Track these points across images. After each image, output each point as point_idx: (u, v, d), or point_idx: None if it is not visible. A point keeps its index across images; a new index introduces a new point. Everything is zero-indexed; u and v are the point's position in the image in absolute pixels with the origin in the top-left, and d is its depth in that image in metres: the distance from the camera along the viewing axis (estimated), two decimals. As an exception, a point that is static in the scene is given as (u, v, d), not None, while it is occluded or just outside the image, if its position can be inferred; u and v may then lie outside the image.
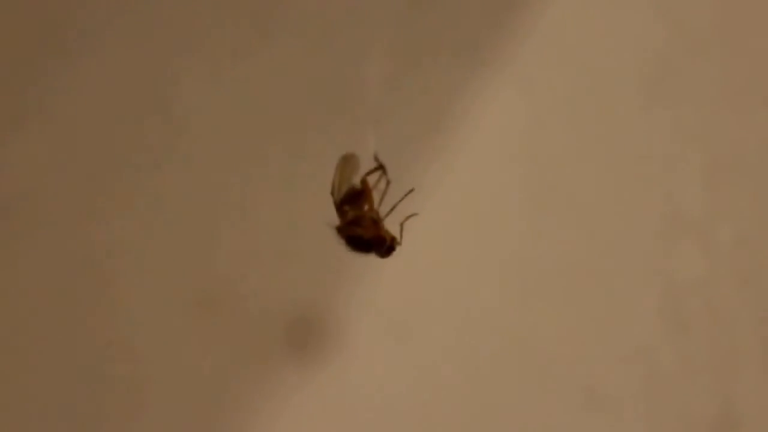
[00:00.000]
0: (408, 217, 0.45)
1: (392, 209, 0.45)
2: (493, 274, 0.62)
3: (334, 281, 0.60)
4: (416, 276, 0.60)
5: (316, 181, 0.46)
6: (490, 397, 0.61)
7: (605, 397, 0.61)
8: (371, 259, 0.45)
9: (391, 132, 0.58)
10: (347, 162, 0.45)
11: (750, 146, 0.62)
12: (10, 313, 0.57)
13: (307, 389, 0.59)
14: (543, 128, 0.62)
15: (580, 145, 0.63)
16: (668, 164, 0.63)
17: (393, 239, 0.44)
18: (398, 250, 0.45)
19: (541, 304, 0.62)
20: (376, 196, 0.46)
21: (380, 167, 0.46)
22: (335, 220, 0.45)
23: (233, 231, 0.60)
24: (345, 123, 0.57)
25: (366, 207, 0.45)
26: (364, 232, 0.44)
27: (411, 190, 0.45)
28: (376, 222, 0.45)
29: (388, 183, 0.46)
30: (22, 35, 0.58)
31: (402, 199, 0.45)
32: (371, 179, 0.46)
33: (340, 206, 0.45)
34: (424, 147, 0.61)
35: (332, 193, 0.45)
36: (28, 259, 0.58)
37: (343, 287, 0.60)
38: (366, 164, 0.46)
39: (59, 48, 0.58)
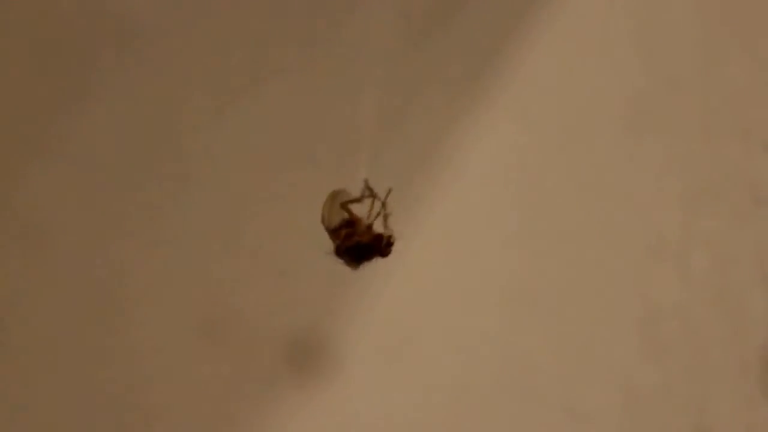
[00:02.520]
0: (387, 193, 0.46)
1: (378, 215, 0.46)
2: (484, 300, 0.62)
3: (332, 304, 0.60)
4: (412, 300, 0.61)
5: (313, 209, 0.47)
6: (480, 415, 0.62)
7: (586, 415, 0.62)
8: (369, 283, 0.46)
9: (386, 161, 0.58)
10: (335, 197, 0.47)
11: (725, 176, 0.63)
12: (24, 335, 0.57)
13: (308, 410, 0.59)
14: (531, 161, 0.63)
15: (567, 176, 0.63)
16: (648, 194, 0.63)
17: (389, 236, 0.46)
18: (393, 274, 0.46)
19: (527, 327, 0.62)
20: (370, 215, 0.47)
21: (367, 195, 0.46)
22: (330, 246, 0.46)
23: (235, 258, 0.60)
24: (340, 153, 0.57)
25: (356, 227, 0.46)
26: (361, 237, 0.46)
27: (390, 190, 0.46)
28: (369, 227, 0.46)
29: (384, 203, 0.46)
30: (45, 80, 0.57)
31: (385, 198, 0.46)
32: (362, 208, 0.47)
33: (334, 232, 0.46)
34: (419, 175, 0.61)
35: (323, 222, 0.46)
36: (42, 284, 0.58)
37: (341, 310, 0.60)
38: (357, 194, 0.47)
39: (76, 90, 0.58)
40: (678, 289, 0.63)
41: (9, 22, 0.57)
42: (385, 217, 0.46)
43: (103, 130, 0.59)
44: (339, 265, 0.46)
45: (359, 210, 0.47)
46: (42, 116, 0.58)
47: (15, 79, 0.58)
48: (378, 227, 0.46)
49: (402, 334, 0.61)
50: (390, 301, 0.60)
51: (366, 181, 0.47)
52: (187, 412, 0.59)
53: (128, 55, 0.58)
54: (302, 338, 0.60)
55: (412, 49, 0.61)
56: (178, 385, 0.59)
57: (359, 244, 0.45)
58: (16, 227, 0.58)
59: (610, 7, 0.64)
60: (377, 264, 0.46)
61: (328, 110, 0.60)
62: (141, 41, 0.58)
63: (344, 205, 0.46)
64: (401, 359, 0.61)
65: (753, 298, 0.63)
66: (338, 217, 0.46)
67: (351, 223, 0.46)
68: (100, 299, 0.59)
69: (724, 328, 0.62)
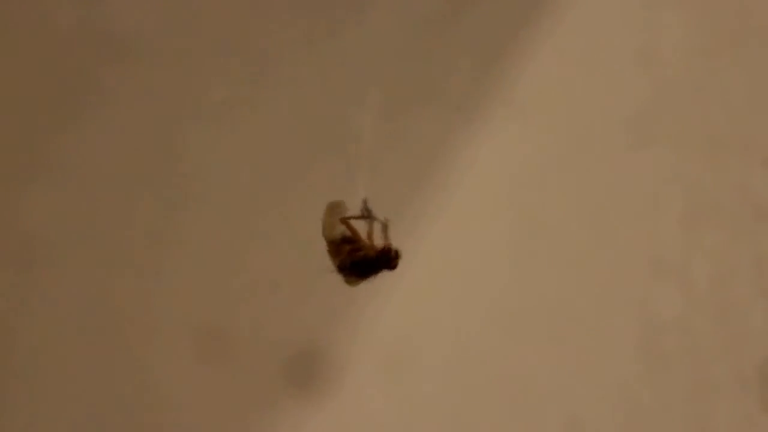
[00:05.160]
0: (386, 222, 0.45)
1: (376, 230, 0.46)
2: (485, 315, 0.62)
3: (333, 320, 0.60)
4: (413, 315, 0.61)
5: (314, 223, 0.46)
6: (480, 431, 0.62)
7: (586, 430, 0.62)
8: (369, 298, 0.46)
9: (385, 176, 0.58)
10: (334, 209, 0.46)
11: (725, 191, 0.63)
12: (27, 355, 0.58)
13: (308, 426, 0.59)
14: (532, 176, 0.63)
15: (567, 192, 0.64)
16: (649, 209, 0.64)
17: (396, 249, 0.45)
18: (394, 289, 0.46)
19: (528, 342, 0.62)
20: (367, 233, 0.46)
21: (366, 216, 0.46)
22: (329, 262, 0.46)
23: (234, 273, 0.60)
24: (339, 170, 0.57)
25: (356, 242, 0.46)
26: (368, 251, 0.45)
27: (386, 221, 0.45)
28: (371, 241, 0.45)
29: (384, 223, 0.46)
30: (45, 98, 0.58)
31: (386, 230, 0.45)
32: (361, 225, 0.46)
33: (335, 247, 0.46)
34: (417, 191, 0.61)
35: (323, 233, 0.46)
36: (47, 302, 0.58)
37: (342, 326, 0.60)
38: (355, 210, 0.46)
39: (77, 108, 0.58)
40: (678, 303, 0.63)
41: (9, 43, 0.58)
42: (385, 229, 0.46)
43: (101, 148, 0.59)
44: (339, 280, 0.45)
45: (357, 225, 0.47)
46: (42, 136, 0.58)
47: (16, 99, 0.58)
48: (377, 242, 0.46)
49: (402, 349, 0.61)
50: (391, 317, 0.61)
51: (365, 201, 0.46)
52: (187, 429, 0.59)
53: (127, 74, 0.58)
54: (302, 354, 0.60)
55: (410, 61, 0.62)
56: (178, 401, 0.59)
57: (366, 258, 0.45)
58: (17, 247, 0.58)
59: (610, 21, 0.64)
60: (378, 279, 0.46)
61: (326, 123, 0.60)
62: (139, 59, 0.59)
63: (345, 221, 0.46)
64: (401, 374, 0.61)
65: (753, 313, 0.63)
66: (338, 230, 0.46)
67: (351, 239, 0.46)
68: (99, 316, 0.59)
69: (725, 343, 0.62)
